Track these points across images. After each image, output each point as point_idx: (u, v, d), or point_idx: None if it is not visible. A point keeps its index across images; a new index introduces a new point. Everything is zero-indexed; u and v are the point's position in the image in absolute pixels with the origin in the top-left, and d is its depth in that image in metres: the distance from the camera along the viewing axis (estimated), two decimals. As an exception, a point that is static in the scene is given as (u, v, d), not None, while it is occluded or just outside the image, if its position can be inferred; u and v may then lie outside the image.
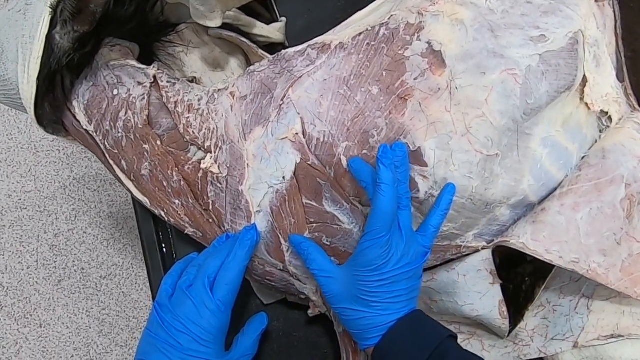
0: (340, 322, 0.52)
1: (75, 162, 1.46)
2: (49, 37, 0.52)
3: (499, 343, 0.59)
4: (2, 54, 0.55)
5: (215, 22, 0.56)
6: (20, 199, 1.44)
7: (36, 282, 1.41)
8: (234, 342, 0.56)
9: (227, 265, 0.51)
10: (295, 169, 0.52)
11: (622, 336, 0.55)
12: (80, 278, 1.42)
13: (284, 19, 0.69)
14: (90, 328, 1.40)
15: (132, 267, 1.43)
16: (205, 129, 0.55)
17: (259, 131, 0.53)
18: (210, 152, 0.55)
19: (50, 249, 1.43)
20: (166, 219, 0.58)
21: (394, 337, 0.48)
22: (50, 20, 0.51)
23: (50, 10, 0.51)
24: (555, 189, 0.53)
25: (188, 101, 0.56)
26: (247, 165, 0.53)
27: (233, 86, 0.56)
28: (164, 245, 0.66)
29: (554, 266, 0.53)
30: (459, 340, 0.60)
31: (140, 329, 1.41)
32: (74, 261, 1.42)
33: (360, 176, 0.49)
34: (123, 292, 1.42)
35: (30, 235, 1.43)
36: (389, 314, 0.49)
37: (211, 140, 0.55)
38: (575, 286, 0.57)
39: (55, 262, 1.42)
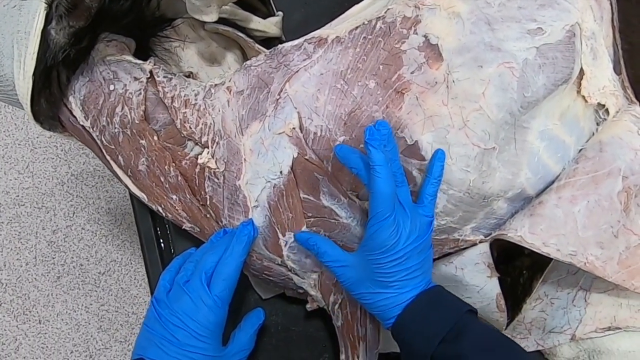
0: (363, 306, 0.53)
1: (73, 158, 1.46)
2: (45, 33, 0.51)
3: (497, 336, 0.59)
4: (-3, 49, 0.54)
5: (211, 17, 0.55)
6: (18, 196, 1.44)
7: (35, 278, 1.41)
8: (231, 337, 0.57)
9: (224, 261, 0.51)
10: (292, 163, 0.52)
11: (620, 328, 0.55)
12: (79, 274, 1.42)
13: (280, 13, 0.68)
14: (89, 324, 1.41)
15: (131, 263, 1.43)
16: (202, 124, 0.55)
17: (256, 126, 0.53)
18: (207, 147, 0.55)
19: (49, 245, 1.42)
20: (164, 214, 0.58)
21: (413, 313, 0.48)
22: (46, 16, 0.51)
23: (46, 5, 0.50)
24: (553, 182, 0.53)
25: (185, 96, 0.56)
26: (244, 160, 0.53)
27: (230, 81, 0.55)
28: (161, 241, 0.66)
29: (551, 259, 0.53)
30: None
31: (139, 324, 1.41)
32: (72, 257, 1.42)
33: (349, 163, 0.49)
34: (122, 288, 1.42)
35: (29, 231, 1.43)
36: (407, 290, 0.49)
37: (208, 135, 0.55)
38: (573, 279, 0.57)
39: (53, 258, 1.42)
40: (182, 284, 0.51)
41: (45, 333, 1.40)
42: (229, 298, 0.51)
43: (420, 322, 0.48)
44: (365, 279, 0.49)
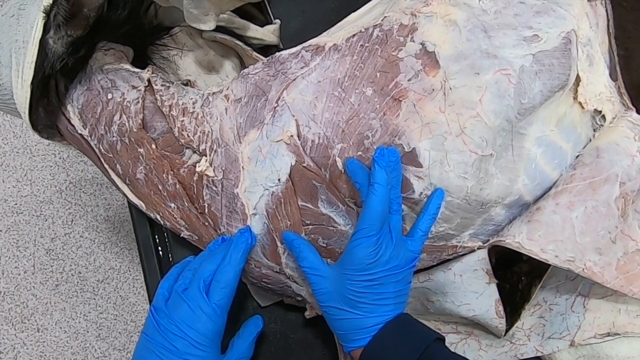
0: (328, 322, 0.52)
1: (71, 166, 1.46)
2: (43, 42, 0.51)
3: (496, 342, 0.59)
4: (-5, 59, 0.55)
5: (209, 25, 0.56)
6: (16, 204, 1.44)
7: (33, 286, 1.41)
8: (230, 345, 0.56)
9: (223, 269, 0.51)
10: (290, 171, 0.52)
11: (619, 334, 0.55)
12: (77, 282, 1.42)
13: (277, 21, 0.69)
14: (87, 332, 1.40)
15: (129, 271, 1.43)
16: (200, 132, 0.55)
17: (253, 134, 0.53)
18: (205, 155, 0.55)
19: (47, 253, 1.42)
20: (162, 222, 0.58)
21: (382, 340, 0.48)
22: (44, 25, 0.51)
23: (44, 14, 0.51)
24: (550, 188, 0.53)
25: (182, 104, 0.56)
26: (242, 167, 0.53)
27: (227, 89, 0.56)
28: (160, 249, 0.66)
29: (550, 265, 0.53)
30: (456, 340, 0.60)
31: (138, 332, 1.41)
32: (70, 265, 1.42)
33: (355, 177, 0.49)
34: (120, 296, 1.42)
35: (27, 239, 1.43)
36: (375, 316, 0.49)
37: (206, 143, 0.55)
38: (571, 285, 0.57)
39: (52, 266, 1.42)
40: (181, 292, 0.51)
41: (44, 341, 1.40)
42: (227, 306, 0.51)
43: (389, 349, 0.47)
44: (337, 294, 0.49)
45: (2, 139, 1.46)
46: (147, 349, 0.50)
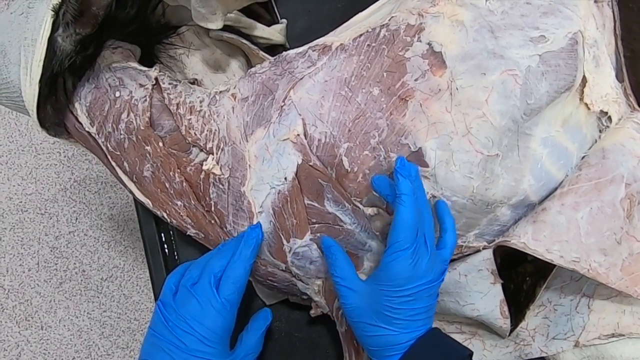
0: (357, 337, 0.51)
1: (76, 164, 1.46)
2: (51, 40, 0.52)
3: (501, 343, 0.59)
4: (4, 56, 0.55)
5: (216, 24, 0.56)
6: (21, 202, 1.44)
7: (37, 284, 1.42)
8: (238, 340, 0.56)
9: (233, 264, 0.51)
10: (296, 169, 0.52)
11: (623, 335, 0.55)
12: (81, 280, 1.42)
13: (284, 20, 0.69)
14: (91, 330, 1.41)
15: (133, 269, 1.43)
16: (207, 130, 0.55)
17: (260, 132, 0.53)
18: (212, 154, 0.55)
19: (51, 251, 1.43)
20: (168, 220, 0.58)
21: (415, 356, 0.47)
22: (53, 23, 0.51)
23: (53, 13, 0.51)
24: (556, 188, 0.53)
25: (190, 103, 0.56)
26: (249, 166, 0.54)
27: (234, 88, 0.56)
28: (166, 247, 0.67)
29: (554, 265, 0.53)
30: (460, 340, 0.60)
31: (142, 330, 1.41)
32: (75, 263, 1.43)
33: (383, 190, 0.49)
34: (124, 294, 1.42)
35: (31, 237, 1.43)
36: (408, 332, 0.48)
37: (213, 141, 0.55)
38: (576, 285, 0.57)
39: (56, 264, 1.42)
40: (189, 287, 0.50)
41: (48, 339, 1.40)
42: (237, 302, 0.51)
43: None
44: (369, 309, 0.48)
45: (8, 137, 1.47)
46: (155, 346, 0.50)
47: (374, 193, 0.51)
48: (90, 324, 1.41)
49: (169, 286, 0.52)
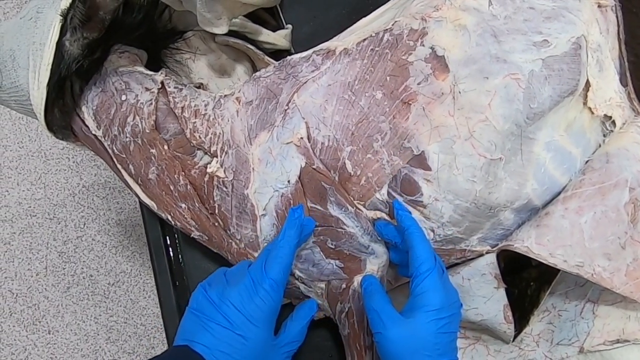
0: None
1: (84, 169, 1.47)
2: (59, 44, 0.53)
3: (505, 348, 0.59)
4: (13, 61, 0.56)
5: (221, 29, 0.56)
6: (30, 206, 1.46)
7: (45, 288, 1.43)
8: (282, 327, 0.55)
9: (278, 244, 0.50)
10: (300, 172, 0.52)
11: (628, 341, 0.55)
12: (89, 285, 1.43)
13: (289, 26, 0.70)
14: (98, 335, 1.41)
15: (140, 274, 1.44)
16: (212, 133, 0.56)
17: (264, 136, 0.54)
18: (216, 157, 0.56)
19: (59, 256, 1.44)
20: (173, 222, 0.58)
21: None
22: (61, 28, 0.52)
23: (61, 17, 0.52)
24: (559, 193, 0.53)
25: (195, 106, 0.57)
26: (253, 169, 0.54)
27: (239, 92, 0.56)
28: (170, 249, 0.67)
29: (559, 271, 0.53)
30: (464, 346, 0.60)
31: (148, 335, 1.42)
32: (82, 268, 1.43)
33: (388, 235, 0.52)
34: (131, 299, 1.43)
35: (40, 242, 1.44)
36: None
37: (217, 144, 0.56)
38: (581, 291, 0.57)
39: (64, 269, 1.43)
40: (245, 267, 0.50)
41: (55, 343, 1.41)
42: (284, 282, 0.49)
43: None
44: (417, 343, 0.46)
45: (18, 143, 1.48)
46: (197, 326, 0.48)
47: (377, 196, 0.52)
48: (97, 328, 1.41)
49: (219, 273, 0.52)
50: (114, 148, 0.58)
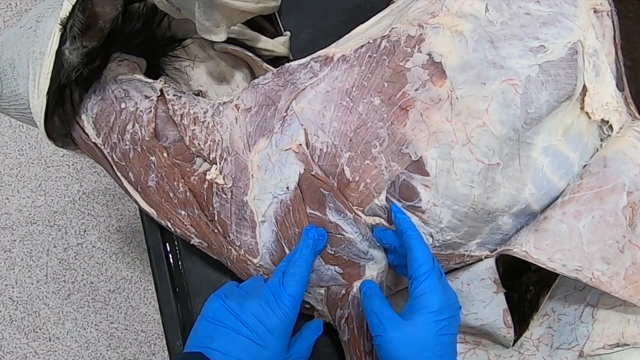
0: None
1: (85, 176, 1.48)
2: (59, 53, 0.53)
3: (505, 353, 0.59)
4: (13, 69, 0.56)
5: (220, 37, 0.57)
6: (30, 214, 1.46)
7: (45, 296, 1.42)
8: (290, 343, 0.55)
9: (295, 262, 0.51)
10: (299, 179, 0.53)
11: (628, 345, 0.55)
12: (89, 292, 1.43)
13: (288, 33, 0.70)
14: (98, 342, 1.41)
15: (141, 281, 1.44)
16: (211, 140, 0.56)
17: (263, 142, 0.54)
18: (216, 164, 0.56)
19: (60, 263, 1.44)
20: (172, 229, 0.59)
21: None
22: (60, 37, 0.52)
23: (60, 26, 0.52)
24: (557, 197, 0.53)
25: (194, 114, 0.57)
26: (252, 176, 0.54)
27: (238, 99, 0.57)
28: (170, 256, 0.67)
29: (558, 275, 0.53)
30: (464, 350, 0.60)
31: (149, 342, 1.41)
32: (82, 275, 1.43)
33: (387, 241, 0.52)
34: (131, 306, 1.42)
35: (40, 249, 1.44)
36: None
37: (216, 151, 0.56)
38: (580, 295, 0.57)
39: (64, 276, 1.43)
40: (260, 280, 0.51)
41: (55, 351, 1.41)
42: (301, 297, 0.50)
43: None
44: (418, 345, 0.46)
45: (18, 150, 1.49)
46: (214, 332, 0.48)
47: (376, 202, 0.52)
48: (97, 335, 1.41)
49: (229, 286, 0.52)
50: (114, 156, 0.58)
